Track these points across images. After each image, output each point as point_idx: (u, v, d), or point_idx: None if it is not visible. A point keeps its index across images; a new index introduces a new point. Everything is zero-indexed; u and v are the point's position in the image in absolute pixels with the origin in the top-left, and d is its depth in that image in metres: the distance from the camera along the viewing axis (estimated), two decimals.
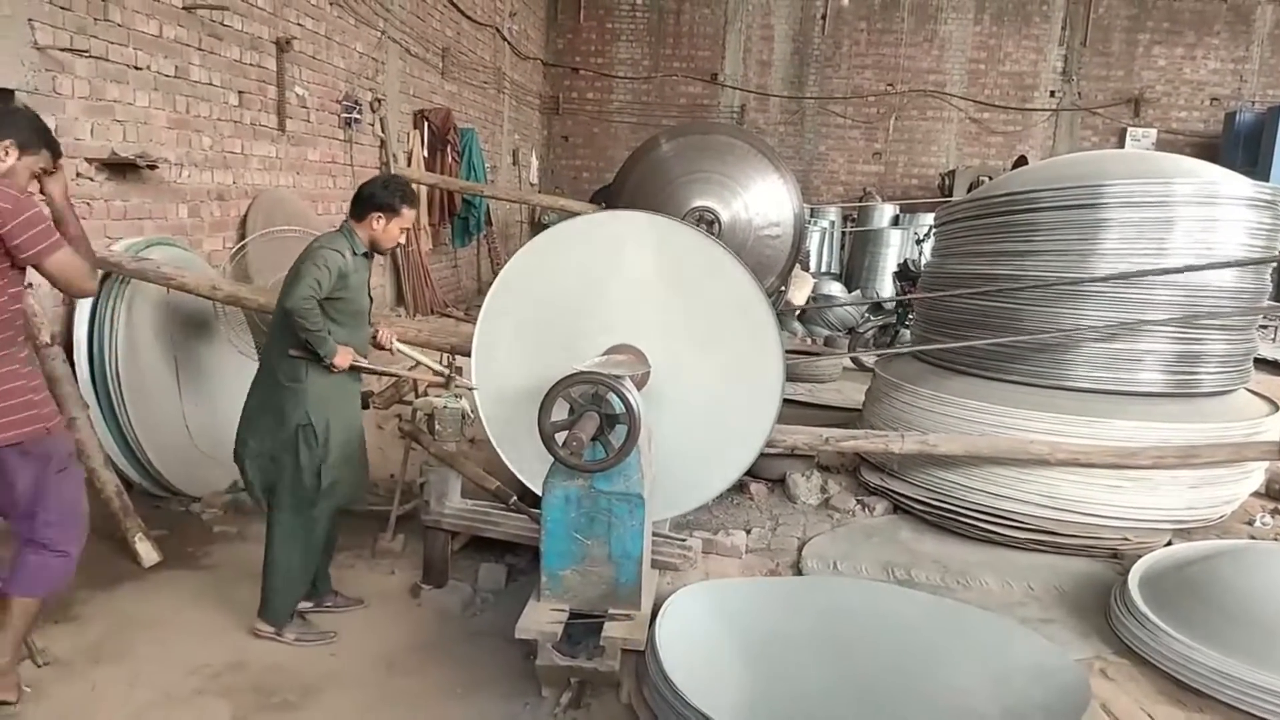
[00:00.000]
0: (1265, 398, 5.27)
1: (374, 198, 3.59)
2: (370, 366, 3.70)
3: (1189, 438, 4.54)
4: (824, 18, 15.51)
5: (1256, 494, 5.18)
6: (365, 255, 3.66)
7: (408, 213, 3.67)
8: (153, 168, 5.18)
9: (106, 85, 4.92)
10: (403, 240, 3.80)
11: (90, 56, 4.77)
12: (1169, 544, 4.41)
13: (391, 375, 4.07)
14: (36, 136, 2.87)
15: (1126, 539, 4.46)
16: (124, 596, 3.88)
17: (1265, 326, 11.22)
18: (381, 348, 3.82)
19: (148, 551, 4.13)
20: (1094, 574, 4.28)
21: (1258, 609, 3.40)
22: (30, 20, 4.36)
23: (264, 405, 3.54)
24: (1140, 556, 4.10)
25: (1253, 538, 4.75)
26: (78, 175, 4.68)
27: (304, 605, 3.73)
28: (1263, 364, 8.45)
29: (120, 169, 5.03)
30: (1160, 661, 3.38)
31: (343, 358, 3.46)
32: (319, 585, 3.83)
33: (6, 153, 2.81)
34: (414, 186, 4.08)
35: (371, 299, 3.81)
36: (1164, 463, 4.43)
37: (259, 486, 3.60)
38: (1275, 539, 4.78)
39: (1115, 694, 3.27)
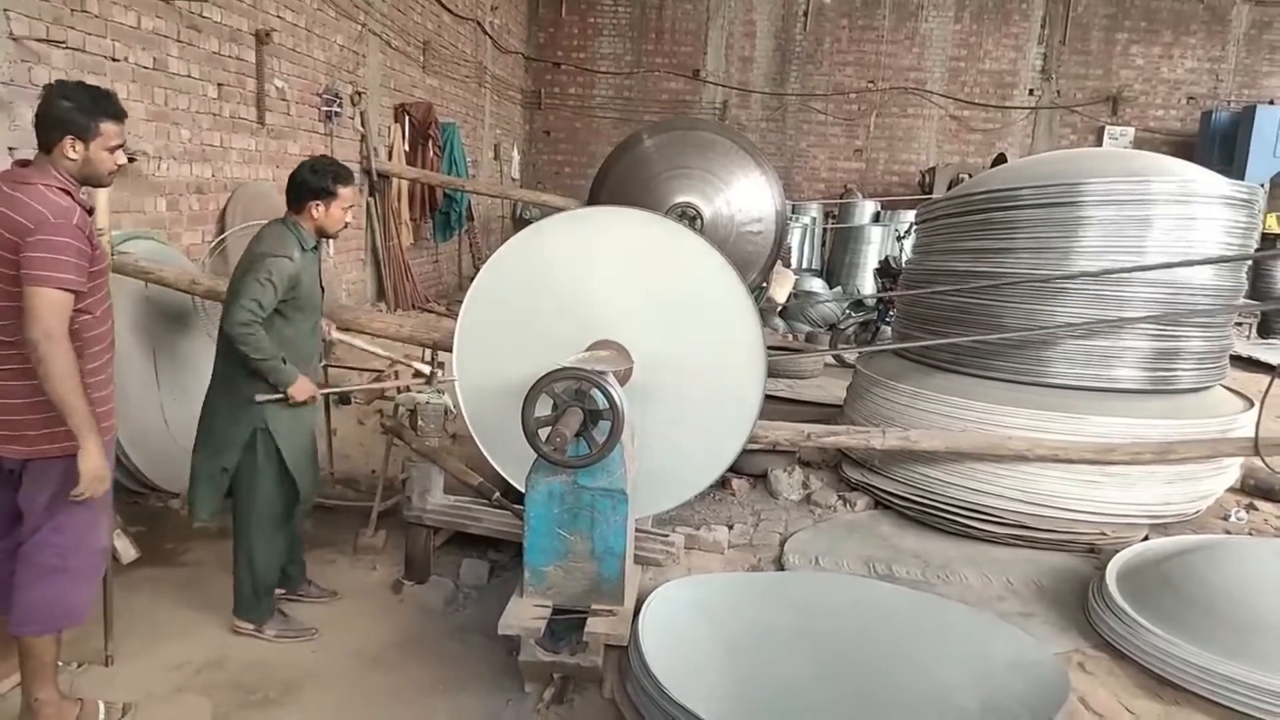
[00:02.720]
0: (1240, 394, 5.33)
1: (305, 184, 3.43)
2: (336, 388, 3.56)
3: (1166, 434, 4.58)
4: (805, 14, 15.54)
5: (1231, 489, 5.25)
6: (314, 249, 3.53)
7: (345, 192, 3.49)
8: (131, 160, 5.12)
9: (84, 77, 4.84)
10: (350, 220, 3.62)
11: (67, 47, 4.72)
12: (1145, 539, 4.45)
13: (359, 390, 3.98)
14: (83, 115, 2.58)
15: (1104, 534, 4.51)
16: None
17: (1240, 324, 11.37)
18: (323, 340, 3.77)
19: (126, 548, 4.06)
20: (1072, 569, 4.31)
21: (1233, 603, 3.45)
22: (5, 10, 4.30)
23: (218, 409, 3.45)
24: (1117, 551, 4.14)
25: (1228, 532, 4.82)
26: None
27: (277, 592, 3.71)
28: (1237, 361, 8.57)
29: None
30: (1138, 655, 3.42)
31: (300, 388, 3.33)
32: (291, 573, 3.80)
33: (73, 149, 2.57)
34: (348, 165, 3.85)
35: (324, 289, 3.69)
36: (1141, 458, 4.48)
37: (207, 499, 3.50)
38: (1250, 534, 4.84)
39: (1094, 687, 3.31)
